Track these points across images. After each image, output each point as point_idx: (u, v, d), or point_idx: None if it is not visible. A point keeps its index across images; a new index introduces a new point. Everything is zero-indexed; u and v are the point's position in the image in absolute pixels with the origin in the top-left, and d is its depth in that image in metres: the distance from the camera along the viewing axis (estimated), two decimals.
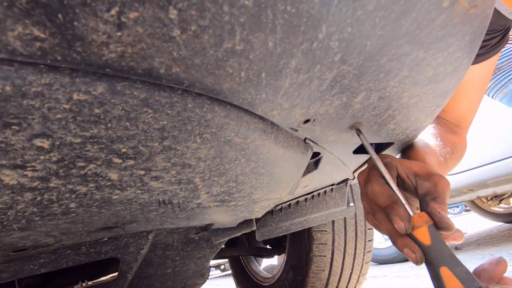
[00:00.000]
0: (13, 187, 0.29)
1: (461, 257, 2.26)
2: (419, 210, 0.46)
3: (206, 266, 1.05)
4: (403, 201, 0.44)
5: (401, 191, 0.45)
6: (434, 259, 0.39)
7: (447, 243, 0.41)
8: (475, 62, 0.74)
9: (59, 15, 0.18)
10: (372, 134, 0.54)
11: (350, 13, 0.26)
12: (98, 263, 1.09)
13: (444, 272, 0.38)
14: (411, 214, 0.42)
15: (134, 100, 0.25)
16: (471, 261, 2.05)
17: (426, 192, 0.44)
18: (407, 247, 0.42)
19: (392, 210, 0.43)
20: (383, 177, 0.47)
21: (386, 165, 0.49)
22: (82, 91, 0.23)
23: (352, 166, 0.78)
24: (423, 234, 0.40)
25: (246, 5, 0.21)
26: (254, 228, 0.85)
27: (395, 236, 0.44)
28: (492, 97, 1.47)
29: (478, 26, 0.36)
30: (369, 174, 0.50)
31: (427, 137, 0.70)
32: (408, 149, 0.65)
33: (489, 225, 3.90)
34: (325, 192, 0.99)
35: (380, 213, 0.46)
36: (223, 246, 1.23)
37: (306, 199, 0.98)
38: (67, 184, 0.31)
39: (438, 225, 0.40)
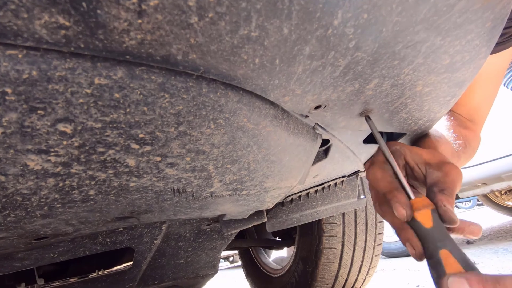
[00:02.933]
0: (38, 172, 0.30)
1: (474, 251, 2.23)
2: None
3: (217, 257, 1.07)
4: (405, 184, 0.43)
5: (405, 177, 0.44)
6: (434, 242, 0.38)
7: (465, 237, 0.40)
8: (493, 51, 0.72)
9: (83, 3, 0.19)
10: (384, 122, 0.54)
11: None
12: (111, 253, 1.12)
13: (443, 254, 0.37)
14: (412, 197, 0.41)
15: (151, 84, 0.26)
16: (484, 255, 2.02)
17: (434, 182, 0.43)
18: (409, 241, 0.41)
19: (392, 197, 0.42)
20: (389, 163, 0.46)
21: (393, 152, 0.47)
22: (103, 75, 0.23)
23: (363, 157, 0.77)
24: (425, 216, 0.39)
25: None
26: (265, 219, 0.85)
27: (399, 228, 0.43)
28: (511, 89, 1.43)
29: (500, 12, 0.35)
30: (373, 160, 0.49)
31: (440, 128, 0.68)
32: (420, 138, 0.63)
33: (502, 219, 3.83)
34: (335, 184, 0.99)
35: (384, 204, 0.45)
36: (233, 237, 1.24)
37: (316, 191, 0.98)
38: (87, 170, 0.33)
39: (442, 218, 0.39)
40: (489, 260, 1.85)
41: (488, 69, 0.72)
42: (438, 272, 0.37)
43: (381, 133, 0.65)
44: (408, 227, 0.41)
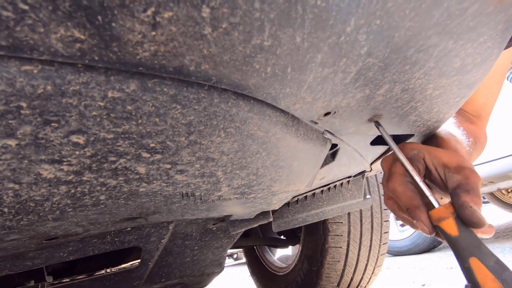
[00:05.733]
0: (50, 180, 0.30)
1: None
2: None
3: (223, 256, 1.07)
4: (428, 193, 0.43)
5: (426, 184, 0.44)
6: (462, 250, 0.38)
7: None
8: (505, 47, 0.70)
9: (99, 17, 0.19)
10: (393, 126, 0.53)
11: (380, 5, 0.26)
12: (118, 251, 1.13)
13: (474, 262, 0.36)
14: (436, 206, 0.41)
15: (163, 96, 0.26)
16: None
17: (457, 185, 0.42)
18: (419, 220, 0.41)
19: (414, 216, 0.42)
20: (407, 171, 0.45)
21: (412, 158, 0.46)
22: (116, 88, 0.23)
23: (370, 158, 0.77)
24: (450, 225, 0.39)
25: (277, 1, 0.21)
26: (271, 219, 0.86)
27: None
28: None
29: None
30: (392, 167, 0.48)
31: (450, 127, 0.67)
32: (434, 138, 0.62)
33: (508, 217, 3.80)
34: (341, 184, 0.99)
35: (403, 212, 0.45)
36: (239, 236, 1.25)
37: (322, 191, 0.98)
38: (98, 177, 0.33)
39: (468, 219, 0.38)
40: None
41: (494, 66, 0.71)
42: (472, 281, 0.36)
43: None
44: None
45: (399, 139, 0.67)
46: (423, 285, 1.69)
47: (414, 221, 0.42)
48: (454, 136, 0.62)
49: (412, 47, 0.34)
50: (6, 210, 0.33)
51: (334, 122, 0.43)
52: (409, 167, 0.45)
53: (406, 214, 0.45)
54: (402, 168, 0.46)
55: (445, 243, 0.42)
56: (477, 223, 0.38)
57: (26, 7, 0.17)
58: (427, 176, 0.47)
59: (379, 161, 0.79)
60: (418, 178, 0.44)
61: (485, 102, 0.76)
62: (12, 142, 0.23)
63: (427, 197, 0.43)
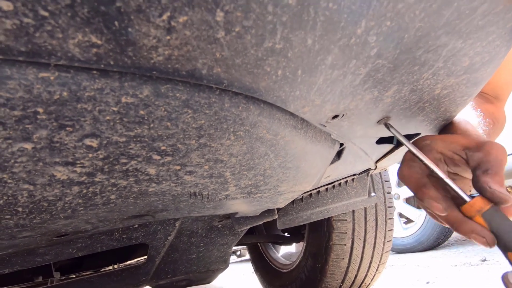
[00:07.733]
0: (64, 181, 0.31)
1: (483, 248, 2.21)
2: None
3: (228, 253, 1.08)
4: (453, 186, 0.39)
5: (448, 174, 0.41)
6: (499, 245, 0.36)
7: None
8: None
9: (116, 22, 0.19)
10: (400, 127, 0.53)
11: (390, 7, 0.26)
12: (125, 248, 1.14)
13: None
14: (467, 200, 0.38)
15: (176, 101, 0.26)
16: (495, 252, 2.00)
17: (477, 165, 0.39)
18: (473, 232, 0.37)
19: (423, 196, 0.39)
20: (423, 163, 0.42)
21: (423, 148, 0.44)
22: (129, 94, 0.24)
23: (375, 156, 0.77)
24: (480, 222, 0.37)
25: (290, 4, 0.22)
26: (276, 217, 0.86)
27: (456, 222, 0.38)
28: None
29: None
30: (402, 158, 0.47)
31: (467, 108, 0.66)
32: (447, 125, 0.61)
33: None
34: (346, 182, 0.99)
35: (421, 203, 0.41)
36: (243, 233, 1.26)
37: (327, 189, 0.98)
38: (110, 178, 0.33)
39: (491, 200, 0.36)
40: (500, 257, 1.84)
41: None
42: None
43: (392, 137, 0.63)
44: (466, 219, 0.38)
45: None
46: (428, 282, 1.69)
47: (425, 202, 0.38)
48: (465, 120, 0.60)
49: (421, 47, 0.34)
50: (20, 209, 0.34)
51: (342, 125, 0.43)
52: (430, 163, 0.41)
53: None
54: (410, 154, 0.44)
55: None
56: (500, 202, 0.36)
57: (46, 14, 0.17)
58: (450, 163, 0.44)
59: (384, 159, 0.79)
60: (437, 169, 0.41)
61: (505, 83, 0.74)
62: (28, 146, 0.24)
63: (454, 191, 0.39)
